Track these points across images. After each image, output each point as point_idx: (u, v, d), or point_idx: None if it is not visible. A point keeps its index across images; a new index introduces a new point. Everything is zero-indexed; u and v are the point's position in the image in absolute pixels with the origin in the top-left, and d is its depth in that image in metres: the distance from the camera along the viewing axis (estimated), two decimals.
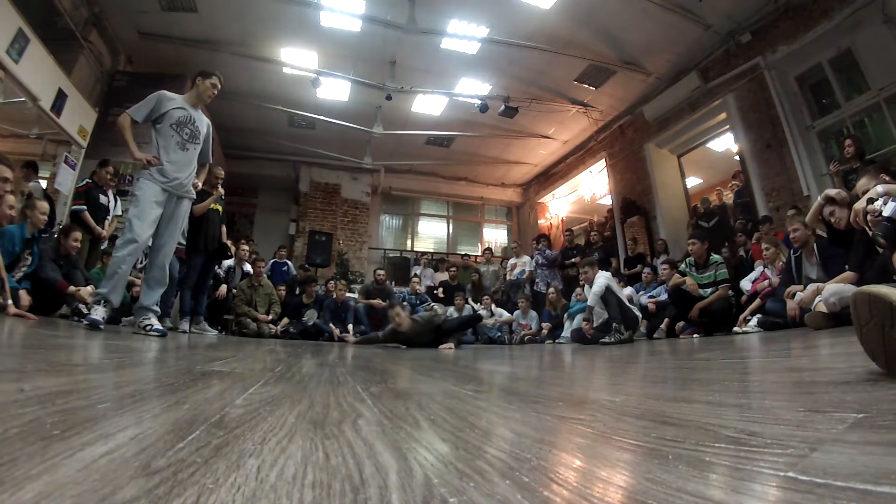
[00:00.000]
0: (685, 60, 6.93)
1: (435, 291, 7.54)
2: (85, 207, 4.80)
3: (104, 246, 4.99)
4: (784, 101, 5.86)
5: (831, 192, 2.93)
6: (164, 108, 3.11)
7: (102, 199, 5.04)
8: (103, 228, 4.93)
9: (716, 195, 8.70)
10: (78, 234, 4.02)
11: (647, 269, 6.05)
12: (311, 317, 6.21)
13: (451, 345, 4.28)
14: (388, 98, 7.49)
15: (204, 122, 3.32)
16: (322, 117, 8.56)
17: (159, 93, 3.16)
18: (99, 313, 2.70)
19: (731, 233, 6.52)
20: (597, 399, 0.99)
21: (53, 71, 5.31)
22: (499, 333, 6.57)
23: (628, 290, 5.56)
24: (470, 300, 6.81)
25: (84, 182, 5.05)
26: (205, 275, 4.71)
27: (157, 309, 3.18)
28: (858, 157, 4.45)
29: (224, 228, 4.98)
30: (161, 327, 2.99)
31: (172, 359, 1.68)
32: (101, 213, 5.00)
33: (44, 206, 3.58)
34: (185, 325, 4.45)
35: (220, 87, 3.35)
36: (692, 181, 9.10)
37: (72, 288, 3.56)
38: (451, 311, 6.15)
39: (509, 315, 6.74)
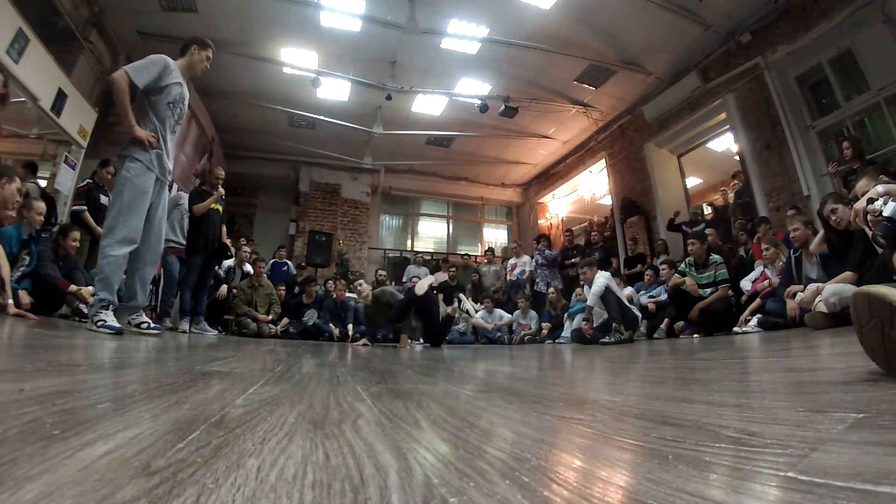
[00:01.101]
0: (685, 60, 6.92)
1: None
2: (85, 208, 4.80)
3: None
4: (784, 101, 5.86)
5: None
6: (166, 81, 2.69)
7: (103, 199, 5.04)
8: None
9: (720, 195, 8.69)
10: (76, 234, 4.03)
11: (649, 271, 6.05)
12: (311, 317, 6.22)
13: (366, 340, 4.47)
14: (388, 98, 7.49)
15: (187, 100, 2.93)
16: (322, 117, 8.56)
17: (165, 59, 2.71)
18: (111, 318, 2.54)
19: (728, 237, 6.51)
20: (597, 399, 0.99)
21: (53, 71, 5.30)
22: (498, 333, 6.57)
23: (628, 290, 5.57)
24: (469, 299, 6.81)
25: (84, 182, 5.05)
26: (205, 275, 4.72)
27: (144, 300, 2.93)
28: (858, 157, 4.45)
29: (224, 228, 4.99)
30: (159, 326, 2.98)
31: (172, 359, 1.68)
32: (102, 214, 4.96)
33: (40, 206, 3.57)
34: (185, 325, 4.46)
35: (211, 59, 3.00)
36: (692, 181, 9.09)
37: (73, 287, 3.56)
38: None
39: (509, 316, 6.74)
